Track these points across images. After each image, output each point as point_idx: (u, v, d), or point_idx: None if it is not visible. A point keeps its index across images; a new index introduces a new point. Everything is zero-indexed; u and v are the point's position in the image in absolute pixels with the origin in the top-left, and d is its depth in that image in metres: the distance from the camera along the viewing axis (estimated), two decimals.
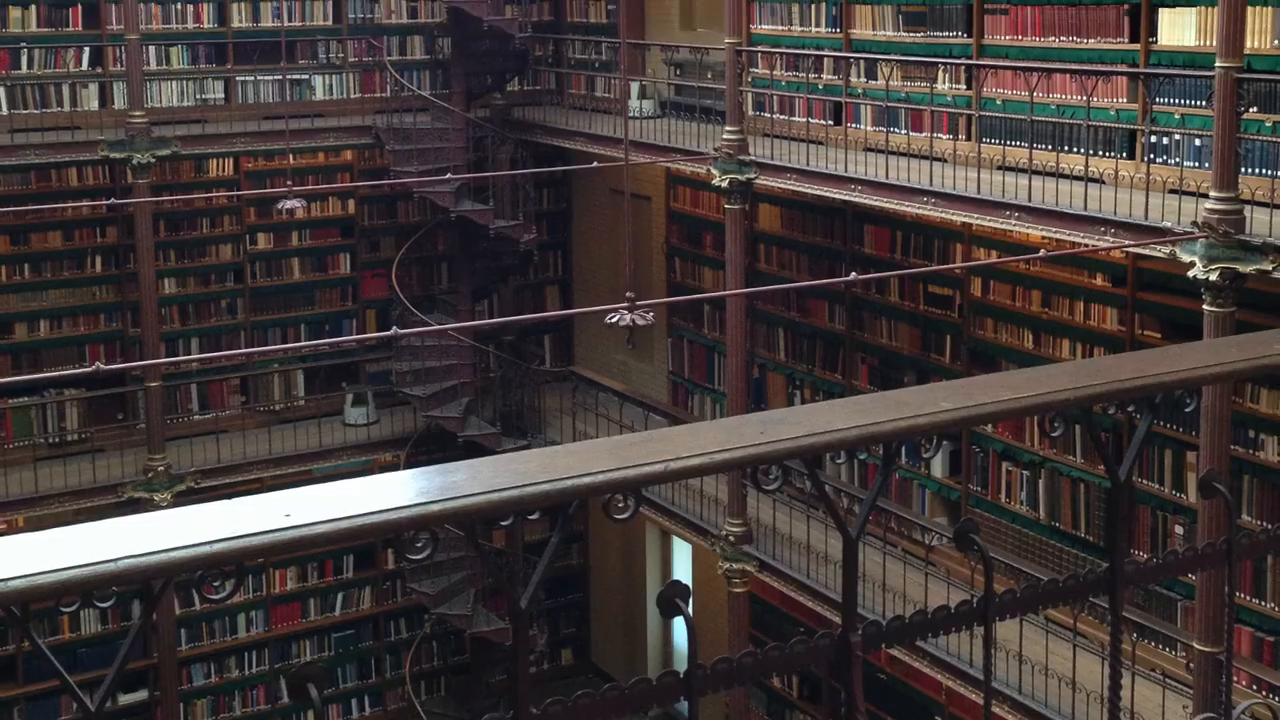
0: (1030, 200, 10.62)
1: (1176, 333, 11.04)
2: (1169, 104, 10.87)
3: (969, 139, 12.46)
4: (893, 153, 12.35)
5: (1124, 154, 11.14)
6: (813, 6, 14.38)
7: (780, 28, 14.77)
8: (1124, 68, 11.24)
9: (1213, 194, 9.25)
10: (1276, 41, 10.19)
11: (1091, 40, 11.56)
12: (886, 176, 11.96)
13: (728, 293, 13.83)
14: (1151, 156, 10.75)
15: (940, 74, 12.87)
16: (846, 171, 12.34)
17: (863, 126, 13.64)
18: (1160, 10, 11.04)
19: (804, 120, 13.89)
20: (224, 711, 16.90)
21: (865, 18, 13.83)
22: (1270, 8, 10.19)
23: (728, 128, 13.38)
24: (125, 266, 16.47)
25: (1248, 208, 9.30)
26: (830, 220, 14.62)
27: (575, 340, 19.30)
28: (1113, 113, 11.32)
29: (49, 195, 16.08)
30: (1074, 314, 12.10)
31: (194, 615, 16.42)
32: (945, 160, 12.07)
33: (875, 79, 13.46)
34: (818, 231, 14.87)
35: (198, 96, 16.74)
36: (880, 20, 13.66)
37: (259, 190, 16.64)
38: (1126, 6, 11.29)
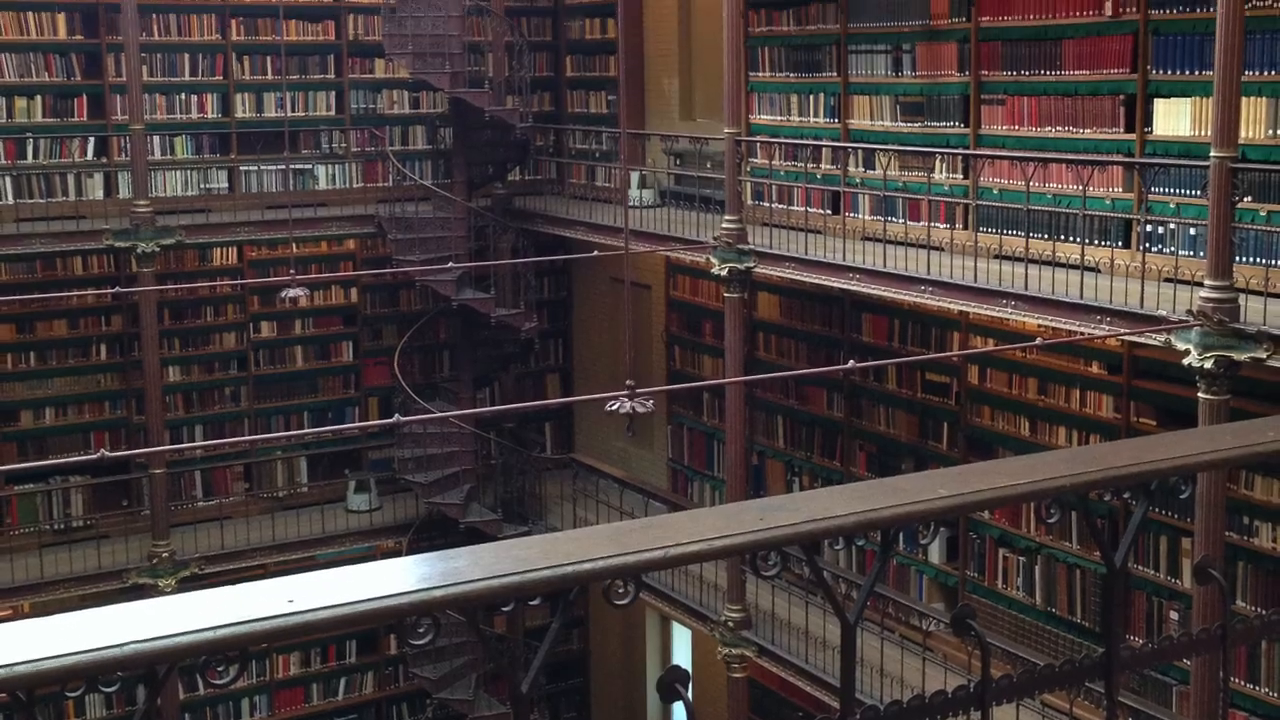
0: (1027, 289, 10.68)
1: (1172, 420, 11.07)
2: (1164, 193, 10.95)
3: (966, 228, 12.53)
4: (890, 242, 12.41)
5: (1120, 243, 11.21)
6: (811, 97, 14.52)
7: (779, 118, 14.91)
8: (1120, 157, 11.33)
9: (1208, 282, 9.30)
10: (1271, 131, 10.28)
11: (1087, 130, 11.66)
12: (884, 265, 12.01)
13: (727, 380, 13.86)
14: (1147, 245, 10.80)
15: (938, 164, 12.96)
16: (845, 260, 12.39)
17: (861, 216, 13.73)
18: (1155, 101, 11.14)
19: (803, 209, 13.98)
20: None
21: (863, 108, 13.95)
22: (1264, 98, 10.29)
23: (727, 217, 13.45)
24: (130, 354, 16.55)
25: (1242, 296, 9.35)
26: (829, 309, 14.68)
27: (576, 427, 19.32)
28: (1108, 202, 11.40)
29: (54, 284, 16.21)
30: (1070, 401, 12.14)
31: (198, 700, 16.38)
32: (943, 249, 12.13)
33: (873, 169, 13.55)
34: (816, 320, 14.93)
35: (202, 186, 16.86)
36: (878, 111, 13.78)
37: (262, 279, 16.73)
38: (1122, 97, 11.40)
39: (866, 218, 13.60)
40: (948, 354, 13.11)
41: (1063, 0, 11.85)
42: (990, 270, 11.26)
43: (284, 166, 16.70)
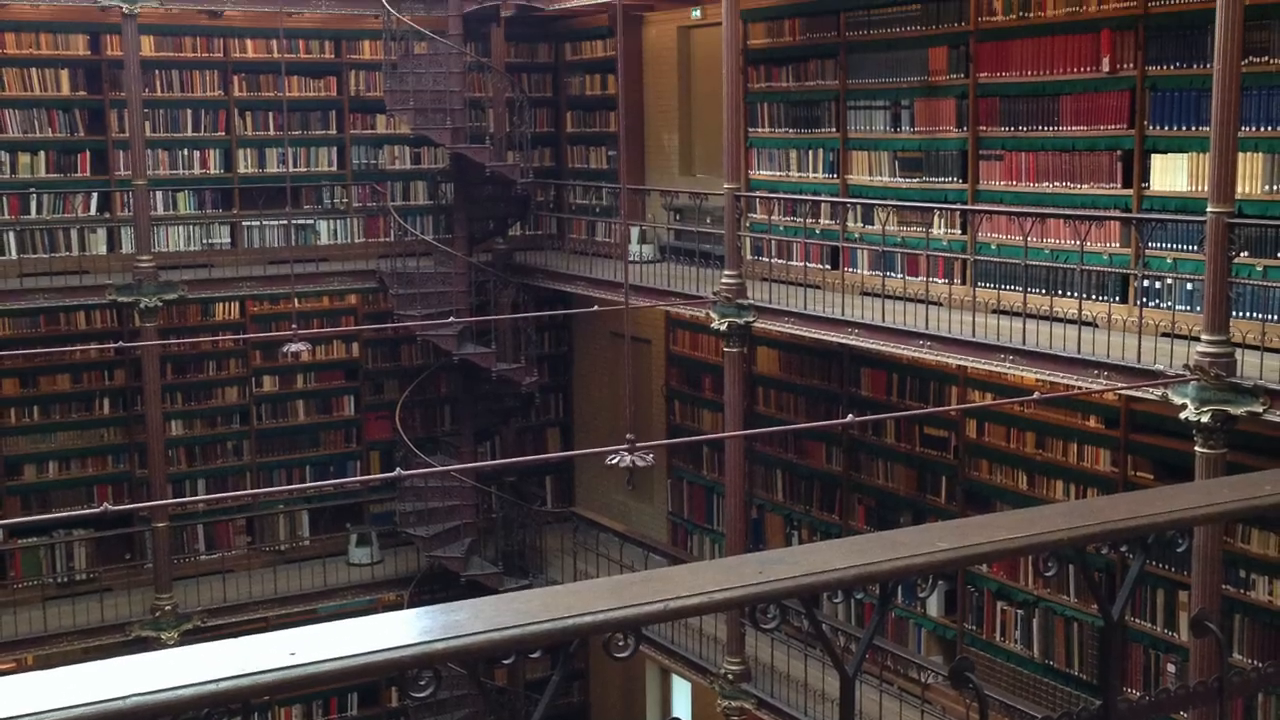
0: (1024, 343, 10.70)
1: (1169, 474, 11.09)
2: (1161, 248, 11.00)
3: (964, 283, 12.58)
4: (889, 296, 12.44)
5: (1117, 298, 11.25)
6: (810, 152, 14.59)
7: (778, 173, 14.98)
8: (1117, 213, 11.38)
9: (1204, 337, 9.33)
10: (1267, 187, 10.33)
11: (1085, 186, 11.72)
12: (883, 320, 12.03)
13: (726, 434, 13.87)
14: (1144, 300, 10.85)
15: (936, 219, 13.01)
16: (844, 315, 12.42)
17: (860, 270, 13.78)
18: (1153, 156, 11.21)
19: (802, 264, 14.03)
20: None
21: (862, 163, 14.02)
22: (1260, 154, 10.34)
23: (727, 272, 13.49)
24: (133, 408, 16.60)
25: (1239, 350, 9.38)
26: (828, 363, 14.71)
27: (576, 481, 19.33)
28: (1106, 257, 11.45)
29: (58, 338, 16.27)
30: (1067, 455, 12.16)
31: None
32: (941, 304, 12.17)
33: (872, 224, 13.62)
34: (815, 374, 14.96)
35: (204, 241, 16.92)
36: (877, 166, 13.85)
37: (264, 334, 16.78)
38: (1119, 152, 11.46)
39: (865, 272, 13.65)
40: (946, 408, 13.13)
41: (1060, 56, 11.92)
42: (988, 325, 11.30)
43: (286, 222, 16.76)
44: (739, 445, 13.88)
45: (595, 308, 14.47)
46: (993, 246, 12.47)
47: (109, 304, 15.77)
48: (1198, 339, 9.47)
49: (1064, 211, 11.63)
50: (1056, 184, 11.97)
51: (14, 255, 15.75)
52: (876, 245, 13.31)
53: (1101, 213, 11.46)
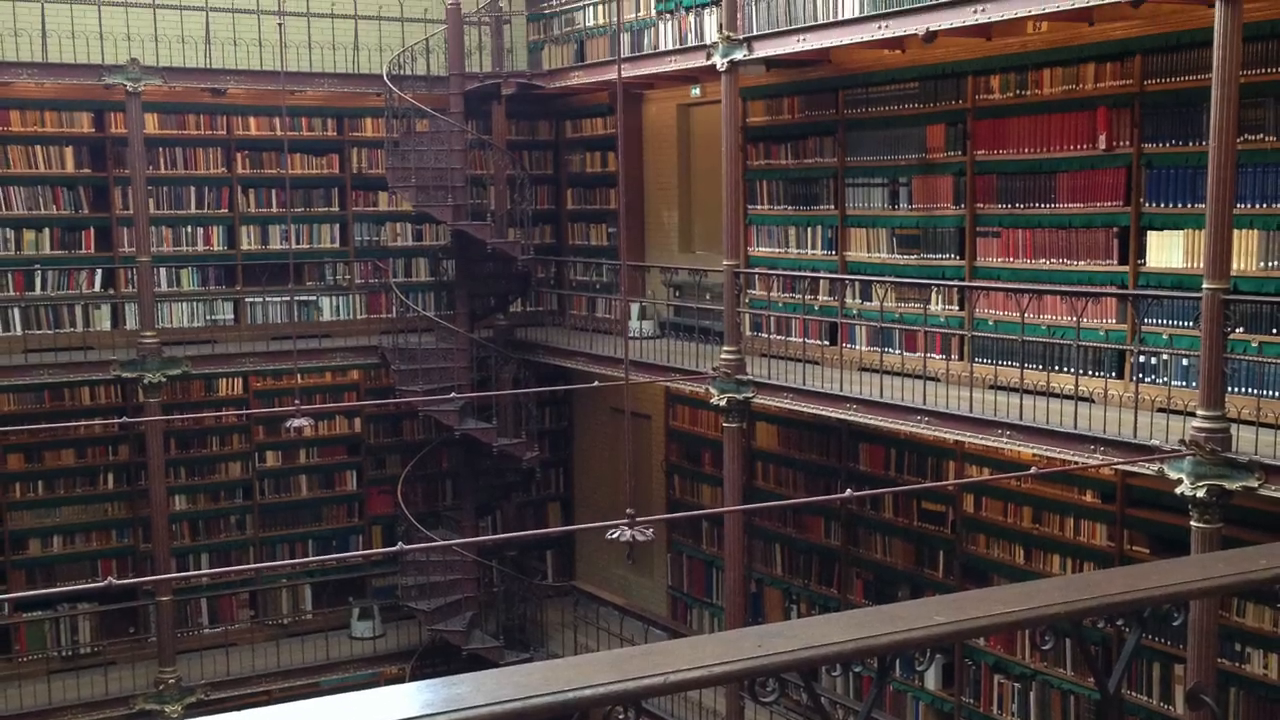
0: (1021, 419, 10.75)
1: (1164, 548, 11.13)
2: (1157, 324, 11.07)
3: (962, 359, 12.64)
4: (887, 372, 12.50)
5: (1113, 373, 11.31)
6: (809, 229, 14.69)
7: (777, 250, 15.07)
8: (1113, 289, 11.45)
9: (1200, 412, 9.39)
10: (1262, 264, 10.41)
11: (1081, 262, 11.80)
12: (881, 395, 12.09)
13: (726, 509, 13.91)
14: (1140, 375, 10.91)
15: (934, 295, 13.09)
16: (842, 391, 12.47)
17: (858, 346, 13.85)
18: (1149, 233, 11.28)
19: (800, 340, 14.11)
20: None
21: (860, 240, 14.11)
22: (1256, 230, 10.43)
23: (726, 348, 13.56)
24: (137, 483, 16.63)
25: (1234, 426, 9.43)
26: (826, 438, 14.75)
27: (577, 555, 19.33)
28: (1102, 333, 11.52)
29: (62, 414, 16.31)
30: (1064, 530, 12.19)
31: None
32: (938, 380, 12.23)
33: (870, 300, 13.69)
34: (814, 449, 14.99)
35: (208, 317, 17.00)
36: (875, 243, 13.94)
37: (267, 409, 16.84)
38: (1115, 230, 11.54)
39: (864, 348, 13.72)
40: (943, 483, 13.17)
41: (1057, 134, 12.03)
42: (985, 400, 11.35)
43: (289, 298, 16.86)
44: (738, 520, 13.91)
45: (595, 383, 14.52)
46: (990, 322, 12.53)
47: (113, 379, 15.85)
48: (1193, 414, 9.53)
49: (1061, 288, 11.70)
50: (1053, 260, 12.05)
51: (19, 331, 15.82)
52: (875, 321, 13.39)
53: (1098, 289, 11.54)
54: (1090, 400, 10.77)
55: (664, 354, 14.84)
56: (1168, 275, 11.11)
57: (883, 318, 13.22)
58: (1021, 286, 11.91)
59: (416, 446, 17.86)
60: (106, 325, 16.42)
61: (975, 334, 12.51)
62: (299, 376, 16.21)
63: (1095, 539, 11.92)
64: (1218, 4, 9.17)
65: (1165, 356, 10.95)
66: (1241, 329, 10.13)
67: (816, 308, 14.36)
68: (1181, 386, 10.61)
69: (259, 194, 17.45)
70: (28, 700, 15.20)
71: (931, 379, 12.08)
